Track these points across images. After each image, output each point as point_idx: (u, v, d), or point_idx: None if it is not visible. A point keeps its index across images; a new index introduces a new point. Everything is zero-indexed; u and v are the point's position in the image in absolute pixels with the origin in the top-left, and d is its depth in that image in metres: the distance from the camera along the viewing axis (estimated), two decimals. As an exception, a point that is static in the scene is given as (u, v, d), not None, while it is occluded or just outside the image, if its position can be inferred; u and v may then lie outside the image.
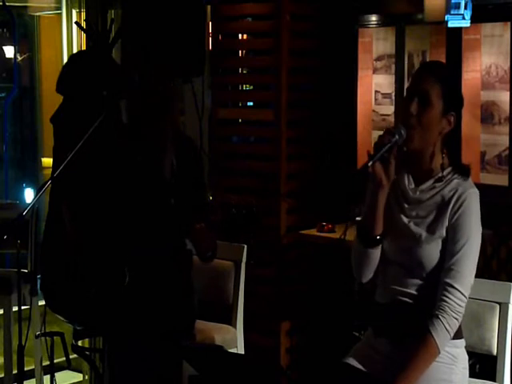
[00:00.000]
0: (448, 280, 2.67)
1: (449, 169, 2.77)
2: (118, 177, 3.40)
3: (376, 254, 2.79)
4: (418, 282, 2.73)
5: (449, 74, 2.84)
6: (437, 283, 2.70)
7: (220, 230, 3.18)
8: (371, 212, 2.75)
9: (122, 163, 3.42)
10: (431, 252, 2.71)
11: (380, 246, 2.78)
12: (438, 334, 2.64)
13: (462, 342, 2.79)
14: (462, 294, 2.67)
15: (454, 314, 2.66)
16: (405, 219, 2.77)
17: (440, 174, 2.75)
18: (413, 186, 2.79)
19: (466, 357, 2.81)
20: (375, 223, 2.75)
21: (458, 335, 2.75)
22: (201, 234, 3.16)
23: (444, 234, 2.70)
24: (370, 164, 2.64)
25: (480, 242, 2.73)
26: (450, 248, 2.69)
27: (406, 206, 2.78)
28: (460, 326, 2.76)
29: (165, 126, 3.42)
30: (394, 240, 2.77)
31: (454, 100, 2.75)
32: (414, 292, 2.73)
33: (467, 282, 2.69)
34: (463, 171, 2.78)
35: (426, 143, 2.72)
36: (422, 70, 2.84)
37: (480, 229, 2.73)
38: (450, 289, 2.66)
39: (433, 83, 2.70)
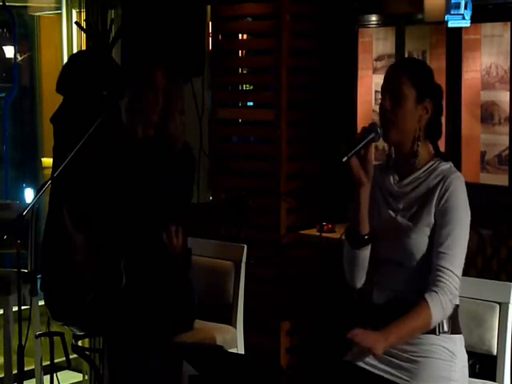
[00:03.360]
0: (441, 263, 2.68)
1: (432, 160, 2.80)
2: (117, 176, 3.40)
3: (365, 255, 2.81)
4: (412, 276, 2.74)
5: (418, 65, 2.90)
6: (428, 274, 2.71)
7: (210, 217, 3.12)
8: (355, 211, 2.77)
9: (121, 162, 3.42)
10: (420, 241, 2.73)
11: (369, 247, 2.80)
12: (434, 304, 2.65)
13: (460, 338, 2.79)
14: (456, 275, 2.69)
15: (450, 296, 2.67)
16: (392, 213, 2.80)
17: (422, 165, 2.78)
18: (397, 180, 2.83)
19: (466, 355, 2.81)
20: (360, 222, 2.77)
21: (455, 330, 2.76)
22: (173, 236, 3.11)
23: (432, 220, 2.73)
24: (344, 160, 2.67)
25: (469, 224, 2.75)
26: (439, 232, 2.71)
27: (392, 200, 2.82)
28: (458, 321, 2.79)
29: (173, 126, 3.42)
30: (384, 237, 2.79)
31: (427, 87, 2.78)
32: (409, 288, 2.74)
33: (460, 263, 2.72)
34: (444, 158, 2.81)
35: (404, 134, 2.76)
36: (391, 67, 2.89)
37: (468, 211, 2.75)
38: (444, 270, 2.68)
39: (401, 75, 2.77)
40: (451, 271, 2.68)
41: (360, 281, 2.86)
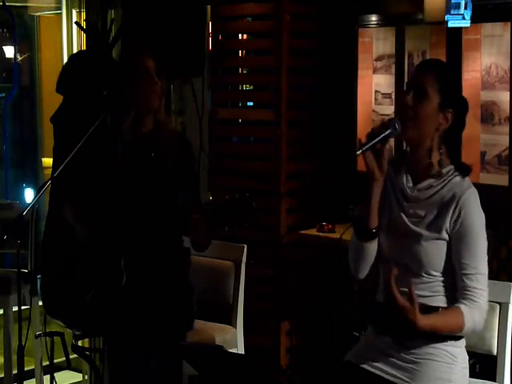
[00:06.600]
0: (472, 284, 2.68)
1: (447, 168, 2.77)
2: (116, 176, 3.40)
3: (371, 248, 2.79)
4: (418, 280, 2.72)
5: (448, 70, 2.86)
6: (437, 283, 2.71)
7: (214, 216, 3.14)
8: (365, 205, 2.75)
9: (119, 162, 3.42)
10: (430, 251, 2.71)
11: (375, 240, 2.79)
12: (468, 315, 2.64)
13: (462, 342, 2.79)
14: (486, 291, 2.70)
15: (483, 314, 2.68)
16: (404, 217, 2.77)
17: (437, 172, 2.75)
18: (411, 184, 2.80)
19: (466, 356, 2.81)
20: (369, 216, 2.75)
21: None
22: (195, 224, 3.15)
23: (446, 236, 2.70)
24: (358, 152, 2.65)
25: (485, 233, 2.74)
26: (460, 254, 2.69)
27: (405, 204, 2.79)
28: None
29: (161, 124, 3.42)
30: (393, 238, 2.78)
31: (451, 96, 2.74)
32: (414, 291, 2.73)
33: (486, 277, 2.71)
34: (463, 170, 2.78)
35: (421, 136, 2.73)
36: (421, 65, 2.88)
37: (483, 223, 2.73)
38: (476, 290, 2.67)
39: (430, 76, 2.72)
40: (482, 289, 2.68)
41: (363, 272, 2.85)
